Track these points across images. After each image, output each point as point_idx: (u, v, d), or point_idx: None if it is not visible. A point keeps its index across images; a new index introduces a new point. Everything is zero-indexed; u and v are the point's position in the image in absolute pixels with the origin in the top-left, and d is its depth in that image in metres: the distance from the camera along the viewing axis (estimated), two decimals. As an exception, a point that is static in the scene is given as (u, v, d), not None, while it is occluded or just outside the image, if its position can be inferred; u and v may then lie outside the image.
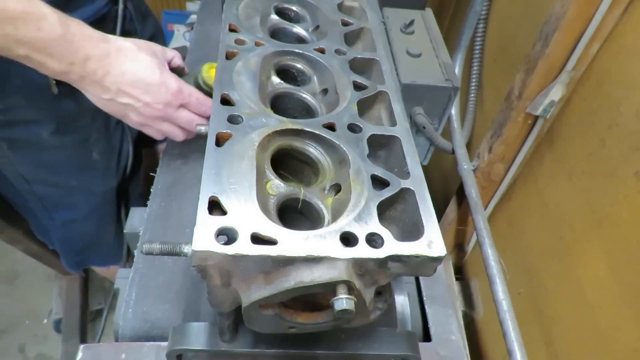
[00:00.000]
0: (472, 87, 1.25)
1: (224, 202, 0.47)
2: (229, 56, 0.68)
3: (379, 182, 0.55)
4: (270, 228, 0.46)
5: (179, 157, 1.01)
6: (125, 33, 1.12)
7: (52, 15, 0.69)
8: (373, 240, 0.48)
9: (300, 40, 0.82)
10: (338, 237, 0.47)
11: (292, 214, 0.56)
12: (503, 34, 1.18)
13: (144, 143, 1.42)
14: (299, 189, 0.55)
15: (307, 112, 0.69)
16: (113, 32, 1.07)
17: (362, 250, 0.46)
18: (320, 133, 0.59)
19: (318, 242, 0.46)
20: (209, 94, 0.86)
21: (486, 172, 1.15)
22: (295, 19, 0.86)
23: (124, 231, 0.94)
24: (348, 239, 0.48)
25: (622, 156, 0.76)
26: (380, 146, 0.63)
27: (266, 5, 0.83)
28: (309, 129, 0.59)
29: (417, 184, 0.55)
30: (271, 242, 0.45)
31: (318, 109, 0.68)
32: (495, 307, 0.91)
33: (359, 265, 0.47)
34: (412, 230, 0.52)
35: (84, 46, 0.73)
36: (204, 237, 0.44)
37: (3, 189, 1.25)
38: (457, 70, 1.27)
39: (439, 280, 0.88)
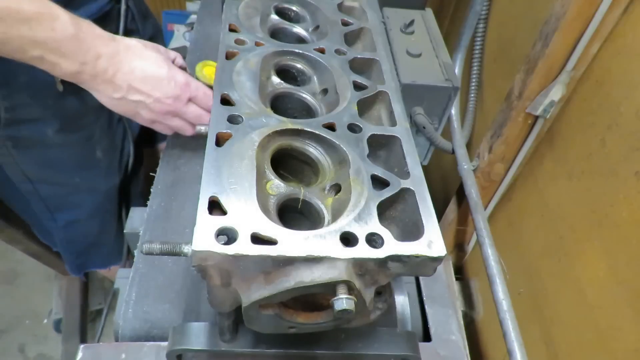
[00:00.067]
0: (472, 87, 1.25)
1: (224, 202, 0.47)
2: (229, 56, 0.68)
3: (379, 182, 0.55)
4: (270, 228, 0.46)
5: (179, 157, 1.01)
6: (127, 32, 1.13)
7: (64, 16, 0.71)
8: (373, 240, 0.48)
9: (300, 40, 0.82)
10: (338, 237, 0.47)
11: (292, 214, 0.56)
12: (503, 34, 1.18)
13: (145, 142, 1.43)
14: (299, 189, 0.55)
15: (307, 112, 0.69)
16: (116, 31, 1.08)
17: (362, 250, 0.46)
18: (320, 133, 0.59)
19: (318, 242, 0.46)
20: None
21: (486, 172, 1.15)
22: (295, 19, 0.86)
23: (124, 231, 0.94)
24: (348, 239, 0.48)
25: (622, 156, 0.76)
26: (380, 146, 0.63)
27: (266, 5, 0.83)
28: (309, 129, 0.59)
29: (417, 184, 0.55)
30: (271, 242, 0.45)
31: (318, 109, 0.68)
32: (495, 307, 0.91)
33: (359, 265, 0.47)
34: (412, 230, 0.52)
35: (95, 45, 0.74)
36: (204, 237, 0.44)
37: (4, 193, 1.26)
38: (457, 70, 1.27)
39: (439, 280, 0.88)
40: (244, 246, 0.44)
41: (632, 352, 0.72)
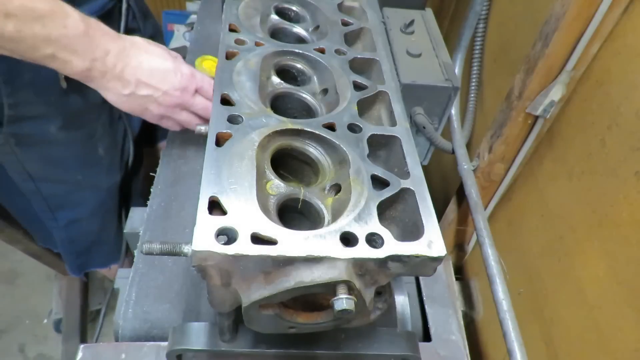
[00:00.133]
0: (472, 87, 1.25)
1: (224, 202, 0.47)
2: (229, 56, 0.68)
3: (379, 182, 0.55)
4: (270, 228, 0.46)
5: (179, 157, 1.01)
6: (128, 31, 1.14)
7: (75, 13, 0.72)
8: (373, 240, 0.48)
9: (300, 40, 0.82)
10: (338, 237, 0.47)
11: (292, 214, 0.56)
12: (503, 34, 1.18)
13: (145, 141, 1.43)
14: (299, 189, 0.55)
15: (307, 112, 0.69)
16: (117, 29, 1.09)
17: (362, 250, 0.46)
18: (320, 133, 0.59)
19: (318, 242, 0.46)
20: None
21: (486, 172, 1.15)
22: (295, 19, 0.86)
23: (124, 231, 0.94)
24: (348, 239, 0.48)
25: (622, 156, 0.76)
26: (380, 146, 0.63)
27: (266, 5, 0.83)
28: (309, 129, 0.59)
29: (417, 184, 0.55)
30: (271, 242, 0.45)
31: (318, 109, 0.68)
32: (495, 307, 0.91)
33: (359, 265, 0.47)
34: (412, 230, 0.52)
35: (103, 42, 0.75)
36: (204, 237, 0.44)
37: (3, 198, 1.26)
38: (457, 70, 1.27)
39: (439, 280, 0.88)
40: (244, 246, 0.44)
41: (632, 352, 0.72)
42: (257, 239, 0.45)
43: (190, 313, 0.72)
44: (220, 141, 0.54)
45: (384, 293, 0.58)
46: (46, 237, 1.40)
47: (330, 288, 0.46)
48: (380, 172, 0.55)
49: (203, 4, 1.45)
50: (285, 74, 0.72)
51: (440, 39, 1.03)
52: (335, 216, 0.52)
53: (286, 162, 0.61)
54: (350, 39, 0.82)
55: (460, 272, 1.39)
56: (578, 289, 0.85)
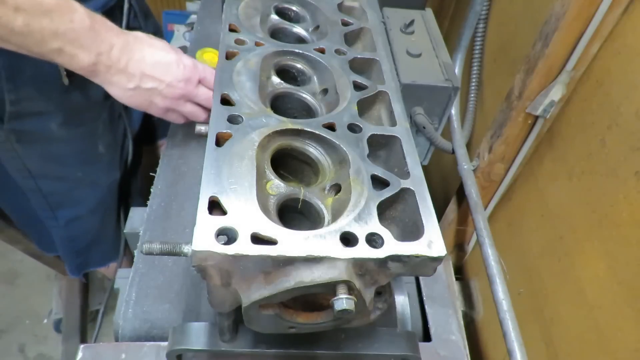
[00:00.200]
0: (472, 87, 1.25)
1: (224, 202, 0.47)
2: (229, 56, 0.68)
3: (379, 182, 0.55)
4: (270, 228, 0.46)
5: (179, 157, 1.01)
6: (130, 30, 1.14)
7: (81, 8, 0.73)
8: (373, 240, 0.48)
9: (300, 40, 0.82)
10: (338, 237, 0.47)
11: (292, 214, 0.56)
12: (503, 34, 1.18)
13: (144, 140, 1.43)
14: (299, 189, 0.55)
15: (307, 112, 0.69)
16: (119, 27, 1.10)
17: (362, 250, 0.46)
18: (320, 133, 0.59)
19: (318, 242, 0.46)
20: None
21: (486, 172, 1.15)
22: (295, 19, 0.86)
23: (124, 231, 0.94)
24: (348, 239, 0.48)
25: (622, 156, 0.76)
26: (380, 146, 0.63)
27: (266, 5, 0.83)
28: (309, 129, 0.59)
29: (417, 184, 0.55)
30: (271, 242, 0.45)
31: (318, 109, 0.68)
32: (495, 307, 0.91)
33: (359, 265, 0.47)
34: (412, 230, 0.52)
35: (108, 36, 0.77)
36: (204, 237, 0.44)
37: (2, 202, 1.26)
38: (457, 70, 1.27)
39: (439, 280, 0.88)
40: (244, 246, 0.44)
41: (632, 352, 0.72)
42: (257, 239, 0.45)
43: (190, 313, 0.72)
44: (220, 141, 0.54)
45: (384, 293, 0.58)
46: (45, 240, 1.40)
47: (330, 288, 0.46)
48: (380, 172, 0.55)
49: (203, 4, 1.45)
50: (285, 74, 0.72)
51: (440, 39, 1.03)
52: (335, 216, 0.52)
53: (286, 162, 0.61)
54: (350, 39, 0.82)
55: (460, 272, 1.39)
56: (578, 289, 0.85)
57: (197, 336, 0.63)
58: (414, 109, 0.96)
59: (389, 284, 0.57)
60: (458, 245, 1.41)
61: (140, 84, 0.81)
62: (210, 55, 1.05)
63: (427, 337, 0.81)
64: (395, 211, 0.56)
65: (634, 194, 0.73)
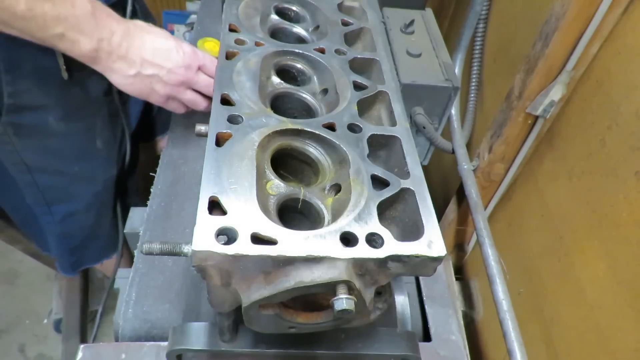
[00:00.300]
0: (472, 87, 1.25)
1: (224, 202, 0.47)
2: (229, 56, 0.68)
3: (379, 182, 0.55)
4: (270, 228, 0.46)
5: (179, 157, 1.01)
6: None
7: None
8: (373, 240, 0.48)
9: (300, 40, 0.82)
10: (338, 237, 0.47)
11: (292, 214, 0.56)
12: (503, 34, 1.18)
13: (141, 137, 1.43)
14: (299, 189, 0.55)
15: (307, 112, 0.69)
16: None
17: (362, 250, 0.46)
18: (320, 133, 0.59)
19: (318, 242, 0.46)
20: None
21: (486, 172, 1.15)
22: (295, 19, 0.86)
23: (124, 231, 0.94)
24: (348, 239, 0.48)
25: (622, 156, 0.76)
26: (380, 146, 0.63)
27: (266, 5, 0.83)
28: (309, 129, 0.59)
29: (417, 184, 0.55)
30: (271, 242, 0.45)
31: (318, 109, 0.68)
32: (495, 307, 0.91)
33: (359, 265, 0.47)
34: (412, 230, 0.52)
35: (109, 22, 0.78)
36: (204, 237, 0.44)
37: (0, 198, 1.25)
38: (457, 70, 1.27)
39: (439, 280, 0.88)
40: (244, 246, 0.44)
41: (632, 352, 0.72)
42: (257, 239, 0.45)
43: (190, 313, 0.72)
44: (220, 141, 0.54)
45: (384, 293, 0.58)
46: (41, 238, 1.40)
47: (330, 288, 0.46)
48: (380, 172, 0.55)
49: (203, 4, 1.45)
50: (285, 74, 0.72)
51: (440, 39, 1.03)
52: (335, 216, 0.52)
53: (286, 162, 0.61)
54: (350, 39, 0.82)
55: (460, 272, 1.39)
56: (578, 289, 0.85)
57: (197, 336, 0.63)
58: (414, 109, 0.96)
59: (389, 284, 0.57)
60: (458, 245, 1.41)
61: (141, 70, 0.82)
62: (211, 45, 1.06)
63: (427, 337, 0.81)
64: (395, 211, 0.56)
65: (634, 194, 0.73)
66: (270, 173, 0.55)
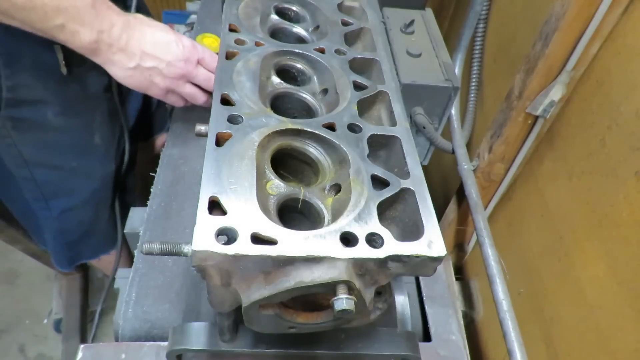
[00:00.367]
0: (472, 87, 1.25)
1: (224, 202, 0.47)
2: (229, 56, 0.68)
3: (379, 182, 0.55)
4: (270, 228, 0.46)
5: (179, 156, 1.01)
6: None
7: None
8: (373, 240, 0.48)
9: (300, 40, 0.82)
10: (338, 237, 0.47)
11: (292, 214, 0.56)
12: (503, 34, 1.18)
13: (139, 136, 1.44)
14: (299, 189, 0.55)
15: (307, 112, 0.69)
16: None
17: (362, 250, 0.46)
18: (320, 133, 0.59)
19: (318, 242, 0.46)
20: None
21: (486, 172, 1.15)
22: (295, 19, 0.86)
23: (124, 231, 0.94)
24: (348, 239, 0.48)
25: (622, 156, 0.76)
26: (380, 146, 0.63)
27: (266, 5, 0.83)
28: (309, 129, 0.59)
29: (417, 184, 0.55)
30: (271, 242, 0.45)
31: (318, 109, 0.68)
32: (495, 307, 0.91)
33: (359, 265, 0.47)
34: (412, 230, 0.52)
35: (109, 14, 0.79)
36: (204, 237, 0.44)
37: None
38: (457, 70, 1.27)
39: (439, 280, 0.88)
40: (244, 246, 0.44)
41: (632, 352, 0.72)
42: (257, 239, 0.45)
43: (190, 313, 0.72)
44: (220, 141, 0.54)
45: (384, 293, 0.58)
46: (36, 232, 1.40)
47: (330, 288, 0.46)
48: (380, 172, 0.55)
49: (203, 4, 1.45)
50: (285, 74, 0.72)
51: (440, 39, 1.03)
52: (335, 216, 0.52)
53: (286, 162, 0.61)
54: (350, 39, 0.82)
55: (460, 272, 1.39)
56: (578, 289, 0.85)
57: (197, 336, 0.63)
58: (414, 109, 0.96)
59: (389, 284, 0.57)
60: (458, 245, 1.41)
61: (141, 63, 0.83)
62: (210, 40, 1.07)
63: (427, 337, 0.81)
64: (395, 211, 0.56)
65: (634, 194, 0.73)
66: (270, 173, 0.55)
